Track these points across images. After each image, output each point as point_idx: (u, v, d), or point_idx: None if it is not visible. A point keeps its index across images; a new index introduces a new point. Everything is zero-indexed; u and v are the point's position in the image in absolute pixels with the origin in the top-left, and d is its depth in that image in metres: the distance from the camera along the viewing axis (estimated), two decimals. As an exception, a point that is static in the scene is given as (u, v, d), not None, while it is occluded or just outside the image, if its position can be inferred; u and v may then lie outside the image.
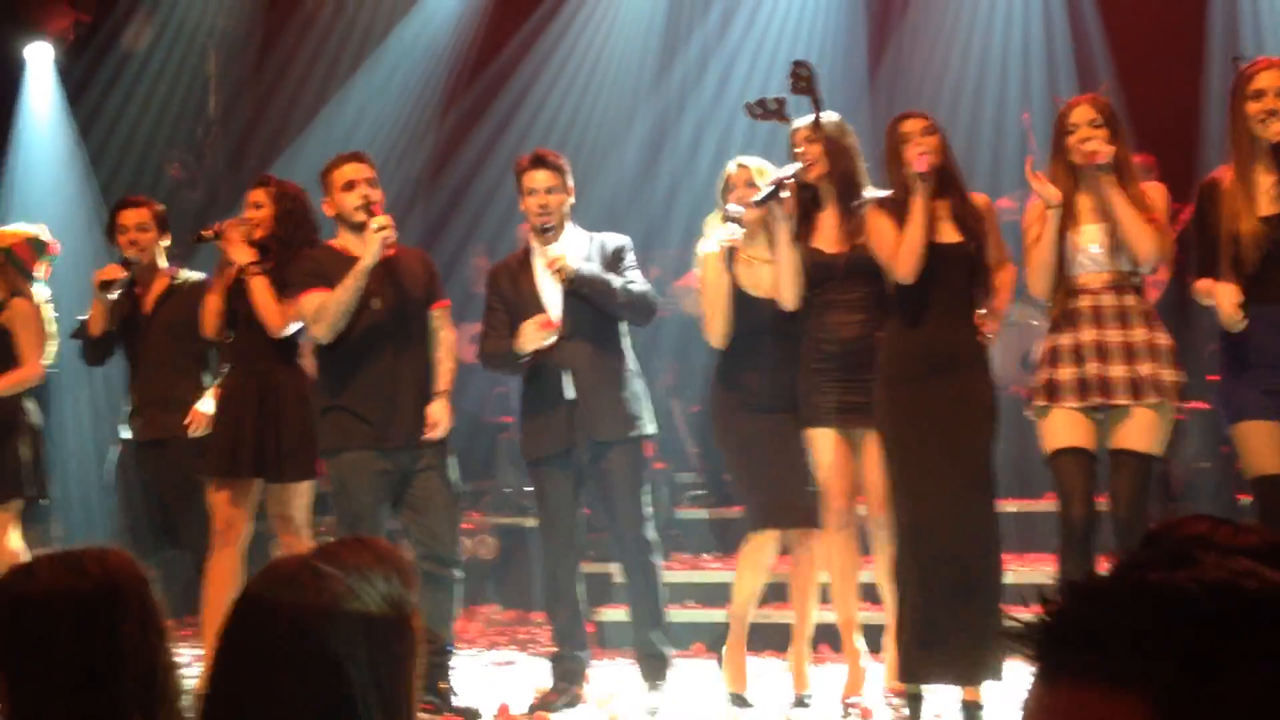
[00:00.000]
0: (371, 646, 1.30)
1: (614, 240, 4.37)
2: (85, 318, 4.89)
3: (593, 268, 4.22)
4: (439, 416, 4.22)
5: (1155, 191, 3.81)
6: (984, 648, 3.76)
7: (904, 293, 3.84)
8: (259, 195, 4.55)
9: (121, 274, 4.71)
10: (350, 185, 4.25)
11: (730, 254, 4.14)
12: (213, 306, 4.54)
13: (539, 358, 4.26)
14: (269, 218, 4.51)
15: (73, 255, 6.11)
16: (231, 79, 8.32)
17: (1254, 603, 0.75)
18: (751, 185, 4.17)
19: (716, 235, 4.18)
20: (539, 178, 4.26)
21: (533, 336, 4.18)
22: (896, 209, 3.85)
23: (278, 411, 4.44)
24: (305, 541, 4.50)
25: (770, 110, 4.23)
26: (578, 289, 4.21)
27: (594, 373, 4.23)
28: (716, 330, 4.19)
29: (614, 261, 4.30)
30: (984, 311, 3.90)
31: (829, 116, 4.18)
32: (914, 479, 3.81)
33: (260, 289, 4.41)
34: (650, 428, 4.32)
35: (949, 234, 3.87)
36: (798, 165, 4.11)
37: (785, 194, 4.06)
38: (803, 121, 4.18)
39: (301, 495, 4.52)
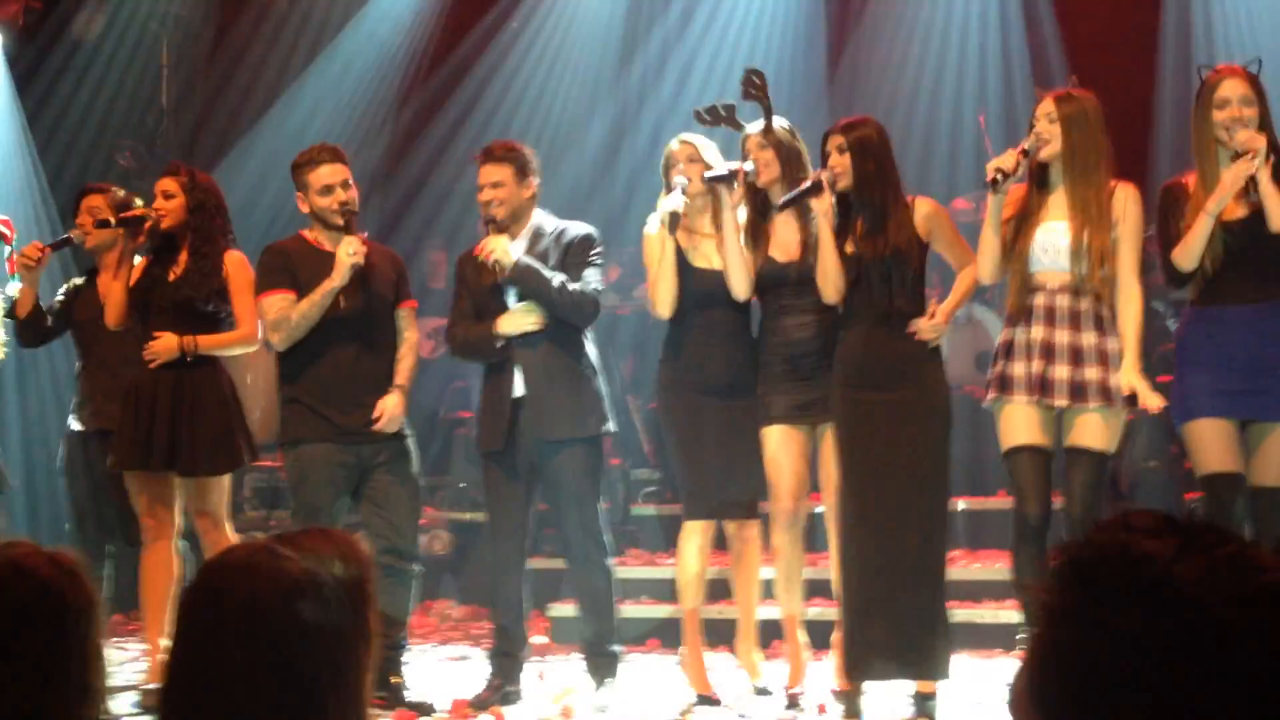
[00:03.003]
0: (324, 634, 1.30)
1: (576, 231, 4.34)
2: (14, 297, 4.79)
3: (529, 263, 4.19)
4: (388, 408, 4.20)
5: (1124, 193, 3.76)
6: (927, 642, 3.81)
7: (841, 306, 3.95)
8: (169, 184, 4.46)
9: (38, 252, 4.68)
10: (327, 190, 4.22)
11: (673, 220, 4.13)
12: (116, 295, 4.42)
13: (504, 349, 4.26)
14: (180, 208, 4.43)
15: (19, 245, 5.99)
16: (184, 68, 8.22)
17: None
18: (694, 160, 4.21)
19: (660, 205, 4.20)
20: (484, 172, 4.27)
21: (517, 321, 4.17)
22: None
23: (194, 405, 4.36)
24: (228, 534, 4.44)
25: (721, 116, 4.28)
26: (514, 283, 4.20)
27: (546, 371, 4.22)
28: (663, 298, 4.20)
29: (568, 253, 4.27)
30: (922, 321, 3.92)
31: (779, 122, 4.23)
32: (861, 482, 3.87)
33: (214, 342, 4.39)
34: (605, 427, 4.31)
35: (868, 248, 3.92)
36: (751, 166, 4.15)
37: (735, 184, 4.10)
38: (754, 128, 4.22)
39: (218, 490, 4.45)
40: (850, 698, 3.87)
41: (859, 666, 3.84)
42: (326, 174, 4.22)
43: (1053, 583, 0.90)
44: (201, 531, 4.44)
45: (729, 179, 4.10)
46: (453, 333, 4.39)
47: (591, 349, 4.35)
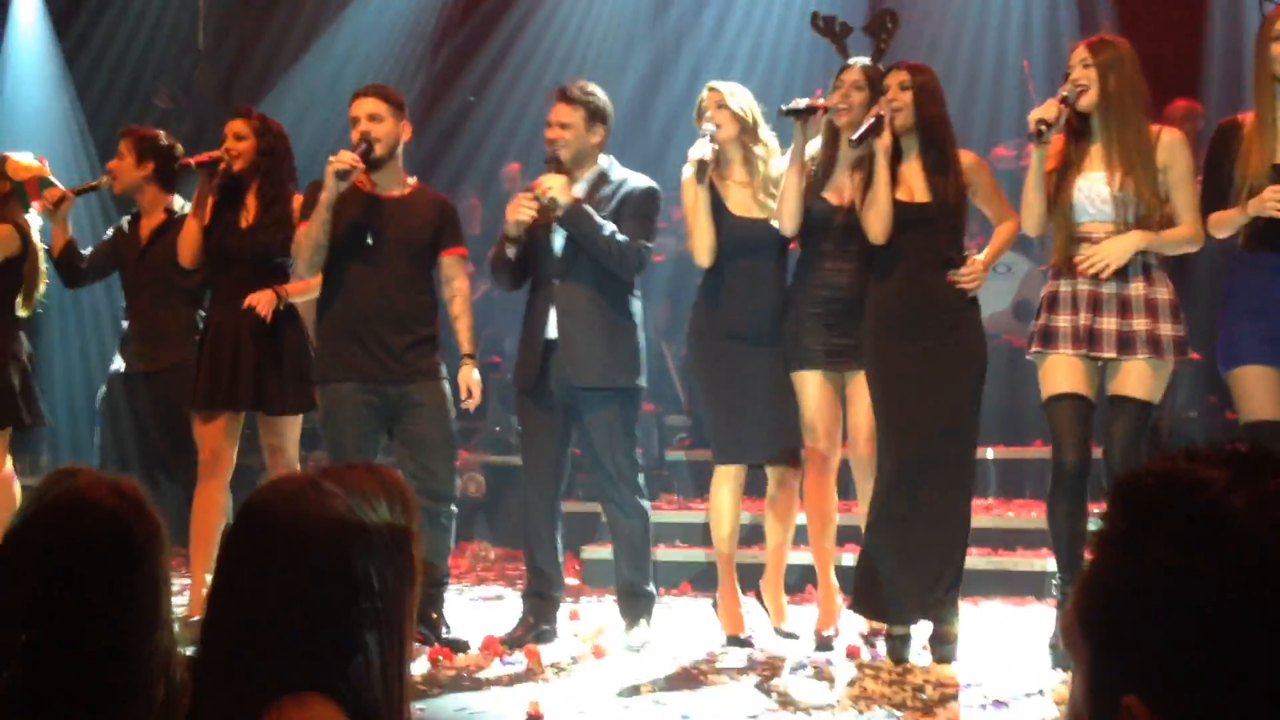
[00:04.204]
0: (368, 566, 1.30)
1: (638, 183, 4.30)
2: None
3: (584, 206, 4.16)
4: (469, 382, 4.26)
5: (1169, 138, 3.71)
6: (942, 590, 3.82)
7: (880, 250, 3.91)
8: (241, 127, 4.49)
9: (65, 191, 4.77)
10: (353, 122, 4.25)
11: (702, 168, 4.11)
12: (191, 235, 4.48)
13: (538, 293, 4.26)
14: (250, 150, 4.46)
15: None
16: (220, 10, 8.20)
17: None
18: (722, 107, 4.17)
19: (690, 153, 4.18)
20: (556, 110, 4.25)
21: (515, 206, 4.16)
22: (861, 167, 3.95)
23: (277, 344, 4.44)
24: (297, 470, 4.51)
25: (834, 32, 4.19)
26: (564, 224, 4.19)
27: (583, 317, 4.21)
28: (700, 246, 4.19)
29: (626, 203, 4.24)
30: (960, 270, 3.90)
31: (880, 69, 4.16)
32: (898, 430, 3.86)
33: (298, 289, 4.43)
34: (636, 381, 4.30)
35: (920, 193, 3.90)
36: (838, 105, 4.08)
37: (813, 118, 4.04)
38: (858, 61, 4.15)
39: (295, 429, 4.54)
40: (896, 642, 3.89)
41: (874, 607, 3.88)
42: (354, 107, 4.26)
43: (1108, 510, 0.89)
44: (273, 468, 4.52)
45: (807, 113, 4.04)
46: (490, 259, 4.42)
47: (637, 304, 4.34)
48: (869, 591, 3.89)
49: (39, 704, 1.47)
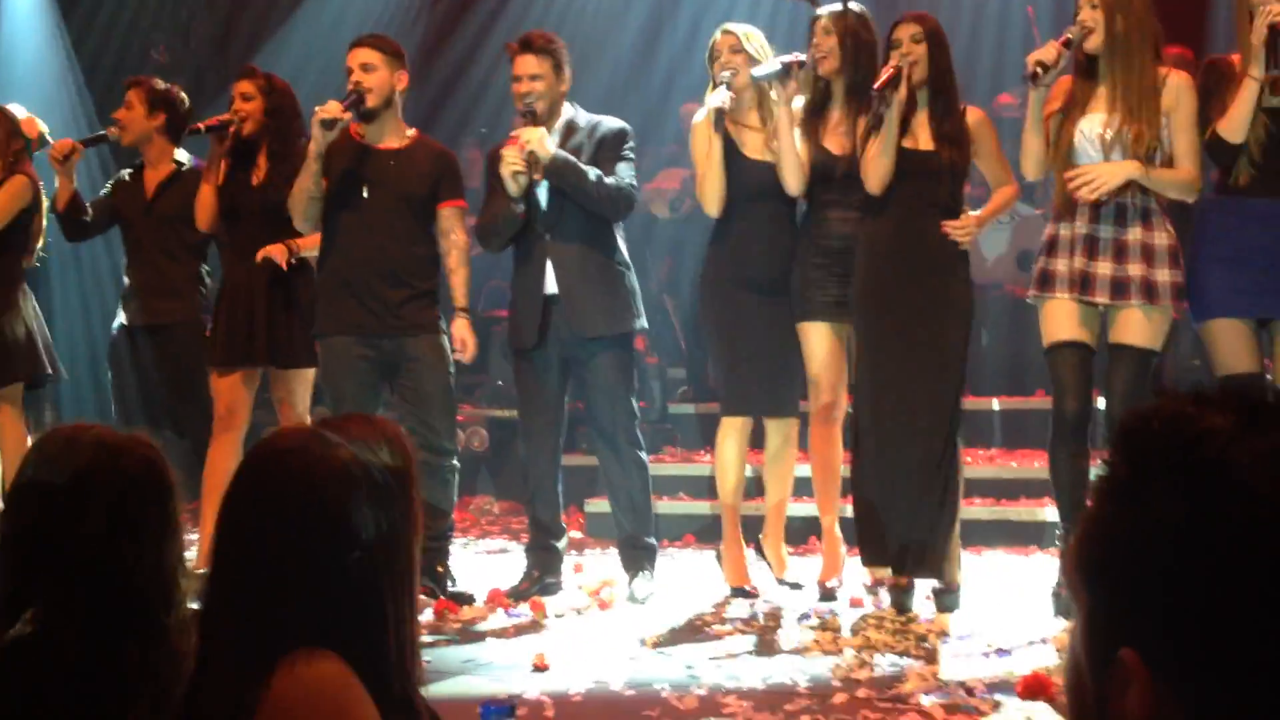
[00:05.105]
0: (373, 510, 1.31)
1: (610, 125, 4.29)
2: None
3: (566, 156, 4.14)
4: (463, 335, 4.22)
5: (1177, 81, 3.66)
6: (937, 544, 3.84)
7: (878, 194, 3.89)
8: (248, 87, 4.47)
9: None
10: (348, 72, 4.22)
11: (719, 116, 4.08)
12: (206, 198, 4.50)
13: (528, 249, 4.24)
14: (258, 110, 4.45)
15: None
16: (216, -39, 8.09)
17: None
18: (737, 50, 4.12)
19: (707, 100, 4.14)
20: (522, 63, 4.20)
21: (507, 160, 4.10)
22: (874, 119, 3.91)
23: (288, 300, 4.45)
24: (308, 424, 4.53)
25: None
26: (549, 177, 4.15)
27: (580, 268, 4.20)
28: (710, 196, 4.17)
29: (602, 147, 4.22)
30: (956, 222, 3.87)
31: (855, 7, 4.11)
32: (878, 372, 3.87)
33: (308, 244, 4.39)
34: (638, 323, 4.32)
35: (925, 142, 3.89)
36: (805, 57, 4.05)
37: (789, 77, 4.01)
38: (828, 9, 4.09)
39: (306, 382, 4.56)
40: (901, 592, 3.91)
41: (873, 557, 3.92)
42: (349, 57, 4.24)
43: (1111, 454, 0.87)
44: (284, 421, 4.53)
45: (782, 73, 4.01)
46: (479, 220, 4.37)
47: (623, 244, 4.32)
48: (866, 539, 3.92)
49: (75, 646, 1.49)
